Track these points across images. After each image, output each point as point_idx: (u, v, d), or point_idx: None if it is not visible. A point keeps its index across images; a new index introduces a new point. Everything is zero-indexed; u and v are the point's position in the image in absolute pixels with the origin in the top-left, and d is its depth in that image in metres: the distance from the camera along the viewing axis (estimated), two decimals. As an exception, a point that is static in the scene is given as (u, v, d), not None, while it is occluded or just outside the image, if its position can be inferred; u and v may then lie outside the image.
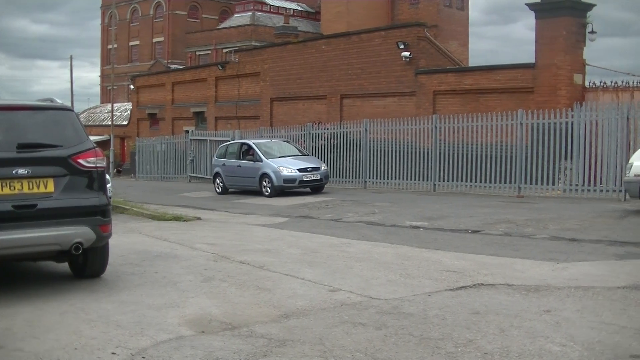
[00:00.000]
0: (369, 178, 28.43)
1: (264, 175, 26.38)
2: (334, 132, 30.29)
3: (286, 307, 8.33)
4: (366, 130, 28.42)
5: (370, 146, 28.47)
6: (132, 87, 53.53)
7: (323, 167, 27.00)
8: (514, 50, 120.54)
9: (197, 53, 73.26)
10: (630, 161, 17.33)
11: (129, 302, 8.63)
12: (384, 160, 27.91)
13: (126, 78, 66.60)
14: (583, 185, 22.00)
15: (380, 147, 28.05)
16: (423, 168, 26.56)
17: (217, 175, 29.57)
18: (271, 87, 38.55)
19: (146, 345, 6.79)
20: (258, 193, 26.69)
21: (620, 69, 29.60)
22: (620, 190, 20.24)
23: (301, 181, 25.95)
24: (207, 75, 44.15)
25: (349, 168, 29.24)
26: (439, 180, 25.98)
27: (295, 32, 49.54)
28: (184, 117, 46.34)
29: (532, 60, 25.63)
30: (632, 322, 7.32)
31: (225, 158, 29.48)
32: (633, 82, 24.34)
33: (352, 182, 29.03)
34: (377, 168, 28.07)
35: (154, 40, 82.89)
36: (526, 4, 25.56)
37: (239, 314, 8.02)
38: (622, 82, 24.54)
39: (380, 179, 27.79)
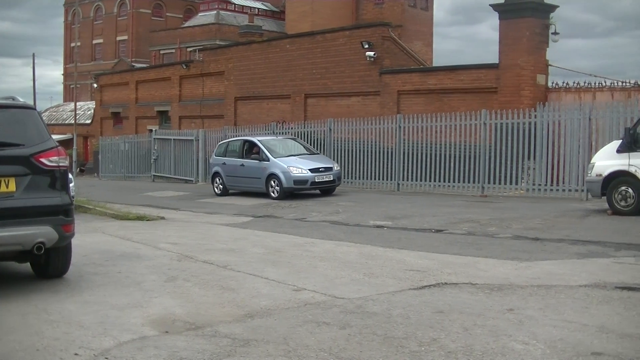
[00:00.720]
0: (334, 177, 28.46)
1: (272, 176, 24.31)
2: (298, 132, 30.23)
3: (250, 306, 8.30)
4: (330, 129, 28.43)
5: (334, 146, 28.48)
6: (95, 85, 53.18)
7: (336, 167, 25.00)
8: (479, 50, 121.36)
9: (161, 52, 72.91)
10: (592, 161, 17.47)
11: (92, 302, 8.56)
12: (348, 159, 27.93)
13: (89, 76, 66.12)
14: (546, 184, 22.16)
15: (344, 146, 28.08)
16: (387, 167, 26.62)
17: (216, 175, 27.23)
18: (235, 86, 38.45)
19: (109, 346, 6.74)
20: (263, 195, 24.72)
21: (582, 70, 29.97)
22: (583, 190, 20.39)
23: (313, 182, 23.95)
24: (171, 74, 43.97)
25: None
26: (403, 180, 26.05)
27: (259, 31, 49.48)
28: (148, 116, 46.12)
29: (496, 61, 25.76)
30: (594, 320, 7.37)
31: (225, 156, 27.17)
32: (595, 83, 24.54)
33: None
34: (342, 167, 28.05)
35: (118, 38, 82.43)
36: (490, 5, 25.70)
37: (203, 314, 7.99)
38: (585, 83, 24.76)
39: (345, 178, 27.75)
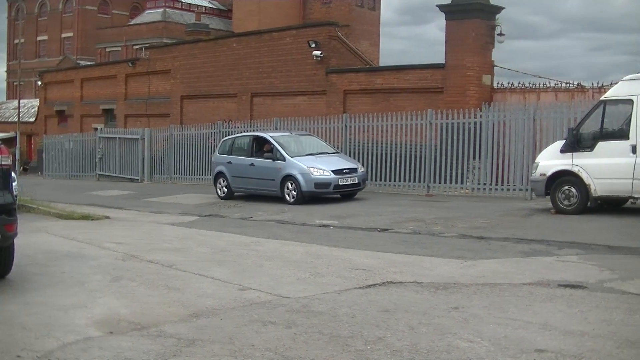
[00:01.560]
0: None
1: (288, 178, 21.60)
2: (244, 131, 30.10)
3: (196, 306, 8.27)
4: (276, 128, 28.32)
5: (281, 145, 28.41)
6: (39, 83, 52.45)
7: (360, 169, 22.57)
8: (426, 51, 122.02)
9: (107, 49, 72.27)
10: (536, 161, 17.65)
11: (35, 303, 8.46)
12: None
13: (34, 74, 65.23)
14: (491, 184, 22.33)
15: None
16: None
17: (219, 175, 24.23)
18: (182, 85, 38.22)
19: (53, 348, 6.66)
20: (277, 199, 21.96)
21: (528, 71, 30.32)
22: (527, 189, 20.57)
23: (337, 186, 21.41)
24: (117, 72, 43.56)
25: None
26: (350, 179, 26.09)
27: (206, 29, 49.13)
28: (93, 115, 45.61)
29: (443, 61, 25.88)
30: (537, 317, 7.45)
31: (231, 154, 24.21)
32: (540, 84, 24.79)
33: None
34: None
35: (63, 35, 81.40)
36: (437, 5, 25.80)
37: (148, 314, 7.94)
38: (530, 83, 24.98)
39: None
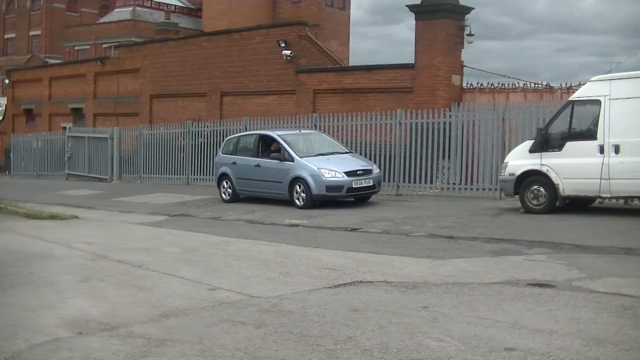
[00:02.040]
0: (250, 176, 28.27)
1: (297, 180, 19.99)
2: (214, 130, 30.04)
3: (165, 306, 8.25)
4: (246, 128, 28.24)
5: (250, 144, 28.35)
6: (7, 81, 52.02)
7: (375, 170, 20.80)
8: (396, 50, 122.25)
9: (76, 48, 71.75)
10: (505, 160, 17.74)
11: (3, 304, 8.40)
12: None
13: (1, 72, 64.75)
14: (460, 184, 22.40)
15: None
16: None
17: (223, 176, 22.85)
18: (151, 84, 38.05)
19: (21, 349, 6.61)
20: (285, 203, 20.49)
21: (497, 71, 30.45)
22: (496, 189, 20.66)
23: (350, 189, 19.66)
24: (85, 71, 43.28)
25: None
26: (320, 179, 26.04)
27: (176, 28, 48.99)
28: (62, 113, 45.28)
29: (412, 61, 25.94)
30: (506, 316, 7.48)
31: (235, 155, 22.75)
32: (509, 84, 24.91)
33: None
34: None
35: (31, 33, 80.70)
36: (406, 6, 25.86)
37: (118, 314, 7.90)
38: (499, 84, 25.10)
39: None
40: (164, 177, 31.87)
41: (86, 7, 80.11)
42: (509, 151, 18.70)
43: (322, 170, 19.57)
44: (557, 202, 16.45)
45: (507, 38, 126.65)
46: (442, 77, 24.92)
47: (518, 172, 16.89)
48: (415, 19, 25.71)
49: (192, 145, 30.61)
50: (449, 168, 22.90)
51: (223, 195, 22.75)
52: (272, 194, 21.15)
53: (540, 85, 24.15)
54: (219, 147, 28.80)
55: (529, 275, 9.81)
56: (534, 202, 16.63)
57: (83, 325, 7.45)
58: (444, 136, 22.81)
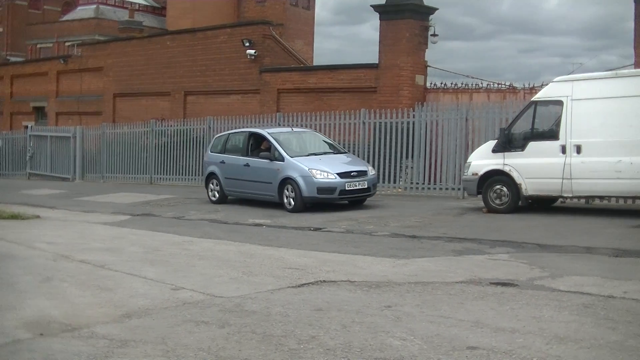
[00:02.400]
0: (213, 175, 28.17)
1: (287, 181, 18.98)
2: (177, 129, 29.94)
3: (128, 306, 8.20)
4: (210, 127, 28.18)
5: (214, 144, 28.26)
6: (-33, 79, 51.54)
7: (371, 172, 19.74)
8: (360, 50, 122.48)
9: (39, 46, 71.09)
10: (468, 160, 17.83)
11: (-39, 304, 8.30)
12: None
13: (-39, 70, 63.99)
14: (423, 183, 22.47)
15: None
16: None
17: (211, 176, 21.96)
18: (114, 83, 37.85)
19: (-21, 350, 6.54)
20: (274, 205, 19.52)
21: (461, 71, 30.60)
22: (459, 189, 20.76)
23: (343, 191, 18.62)
24: (48, 69, 42.93)
25: (192, 166, 28.87)
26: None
27: (140, 27, 48.72)
28: (24, 112, 44.88)
29: (376, 61, 25.99)
30: (469, 315, 7.51)
31: (224, 153, 21.77)
32: (472, 85, 25.04)
33: (195, 179, 28.64)
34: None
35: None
36: (371, 6, 25.89)
37: (80, 315, 7.84)
38: (462, 84, 25.24)
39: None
40: (128, 177, 31.69)
41: (49, 4, 79.36)
42: (472, 151, 18.79)
43: (314, 171, 18.58)
44: (520, 202, 16.56)
45: (472, 38, 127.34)
46: (406, 77, 24.99)
47: (481, 172, 16.98)
48: (380, 19, 25.76)
49: (155, 144, 30.47)
50: (412, 168, 22.97)
51: (210, 195, 21.93)
52: (262, 195, 20.21)
53: (503, 86, 24.30)
54: (182, 146, 28.80)
55: (492, 275, 9.86)
56: (497, 201, 16.73)
57: (44, 326, 7.38)
58: (408, 136, 22.86)
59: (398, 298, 8.43)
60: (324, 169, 18.66)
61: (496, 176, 16.75)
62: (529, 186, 16.27)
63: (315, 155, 19.72)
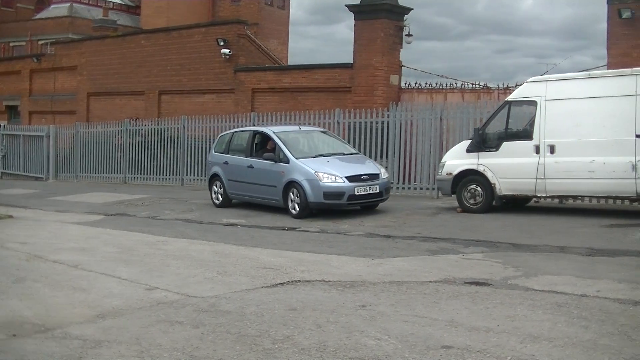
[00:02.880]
0: (187, 175, 28.10)
1: (292, 185, 17.50)
2: (151, 129, 29.81)
3: (102, 307, 8.18)
4: (184, 127, 28.11)
5: (188, 143, 28.19)
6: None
7: (383, 174, 18.06)
8: (336, 50, 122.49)
9: (11, 44, 70.55)
10: (442, 160, 17.86)
11: None
12: (202, 157, 27.62)
13: None
14: (398, 183, 22.48)
15: (199, 144, 27.81)
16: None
17: (215, 178, 20.47)
18: (88, 82, 37.63)
19: (-50, 351, 6.50)
20: (279, 210, 18.08)
21: (435, 71, 30.70)
22: (434, 188, 20.78)
23: (352, 196, 17.02)
24: (21, 68, 42.60)
25: (167, 165, 28.78)
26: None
27: (114, 25, 48.48)
28: (-4, 111, 44.62)
29: (351, 61, 26.00)
30: (444, 314, 7.53)
31: (228, 153, 20.35)
32: (446, 85, 25.10)
33: (169, 179, 28.63)
34: (195, 165, 27.73)
35: (-36, 29, 79.41)
36: (346, 5, 25.90)
37: (53, 315, 7.81)
38: (437, 84, 25.27)
39: (198, 176, 27.48)
40: (101, 176, 31.51)
41: (22, 2, 78.73)
42: (447, 151, 18.83)
43: (320, 174, 17.07)
44: (494, 202, 16.62)
45: (447, 39, 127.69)
46: (381, 77, 25.01)
47: (455, 172, 17.02)
48: (354, 19, 25.76)
49: (129, 144, 30.33)
50: (386, 167, 22.98)
51: (214, 198, 20.40)
52: (266, 199, 18.73)
53: (477, 86, 24.38)
54: (156, 145, 28.70)
55: (466, 274, 9.90)
56: (471, 201, 16.78)
57: (17, 327, 7.34)
58: (382, 136, 22.87)
59: (373, 297, 8.44)
60: (331, 172, 17.18)
61: (470, 176, 16.80)
62: (503, 186, 16.34)
63: (324, 156, 18.19)
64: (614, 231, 13.64)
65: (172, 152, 28.45)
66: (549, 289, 8.81)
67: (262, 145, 19.14)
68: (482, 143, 16.71)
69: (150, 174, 29.28)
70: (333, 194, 16.96)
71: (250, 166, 18.97)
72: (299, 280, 9.62)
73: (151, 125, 30.14)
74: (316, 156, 18.12)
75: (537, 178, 15.76)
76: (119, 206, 20.93)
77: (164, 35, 34.55)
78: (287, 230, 15.35)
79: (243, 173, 19.25)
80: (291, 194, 17.53)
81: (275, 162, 18.06)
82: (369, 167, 18.13)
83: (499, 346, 6.42)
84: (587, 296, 8.37)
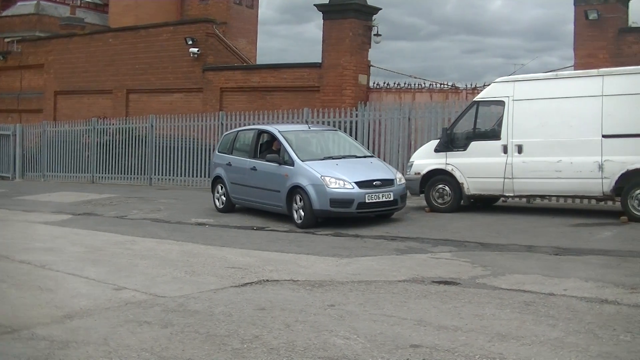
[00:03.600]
0: (155, 174, 27.99)
1: (296, 190, 15.78)
2: (119, 128, 29.67)
3: (69, 307, 8.13)
4: (152, 126, 28.01)
5: (156, 142, 28.07)
6: None
7: (399, 180, 16.18)
8: (307, 50, 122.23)
9: (-23, 42, 70.11)
10: (410, 160, 17.91)
11: None
12: (170, 157, 27.56)
13: None
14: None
15: (167, 143, 27.71)
16: (209, 165, 26.40)
17: (217, 180, 18.85)
18: (56, 80, 37.38)
19: None
20: (284, 218, 16.41)
21: (404, 71, 30.81)
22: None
23: (362, 204, 15.27)
24: (-14, 66, 42.32)
25: (135, 164, 28.66)
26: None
27: (82, 23, 48.20)
28: (-39, 109, 44.19)
29: (320, 60, 26.00)
30: (412, 313, 7.56)
31: (231, 154, 18.68)
32: (415, 84, 25.15)
33: (137, 178, 28.50)
34: (163, 165, 27.64)
35: None
36: (314, 5, 25.90)
37: (20, 316, 7.75)
38: (405, 84, 25.32)
39: (167, 175, 27.42)
40: (69, 176, 31.31)
41: (-13, 0, 78.13)
42: (415, 150, 18.88)
43: (327, 179, 15.38)
44: (462, 201, 16.70)
45: (417, 39, 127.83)
46: (349, 77, 25.04)
47: (423, 171, 17.08)
48: (323, 19, 25.77)
49: (97, 143, 30.16)
50: (355, 167, 22.98)
51: (217, 202, 18.87)
52: (269, 205, 17.03)
53: (445, 86, 24.46)
54: (124, 145, 28.56)
55: (434, 273, 9.94)
56: (439, 200, 16.85)
57: (-18, 327, 7.29)
58: (350, 135, 22.88)
59: (341, 297, 8.45)
60: (339, 177, 15.47)
61: (438, 175, 16.87)
62: (471, 185, 16.42)
63: (332, 159, 16.53)
64: (580, 230, 13.75)
65: (140, 152, 28.34)
66: (516, 288, 8.86)
67: (268, 146, 17.63)
68: (450, 143, 16.78)
69: (118, 174, 29.14)
70: (340, 201, 15.29)
71: (254, 168, 17.33)
72: (267, 280, 9.61)
73: (119, 124, 29.99)
74: (324, 158, 16.51)
75: (505, 178, 15.86)
76: (87, 206, 20.80)
77: (132, 34, 34.36)
78: (255, 230, 15.33)
79: (246, 176, 17.61)
80: (296, 200, 15.86)
81: (280, 164, 16.41)
82: (383, 171, 16.32)
83: (467, 345, 6.45)
84: (554, 295, 8.43)
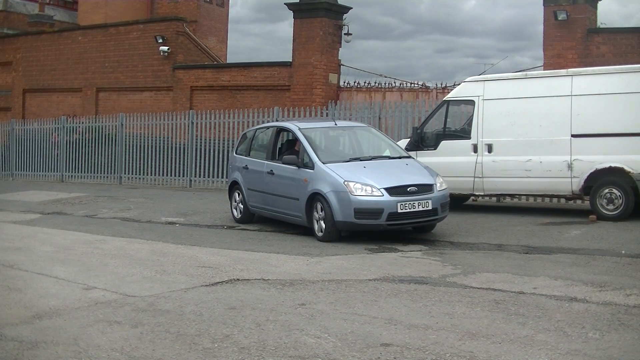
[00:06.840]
0: (125, 173, 27.85)
1: (316, 198, 13.43)
2: (88, 126, 29.48)
3: (38, 307, 8.08)
4: (122, 124, 27.86)
5: (125, 141, 27.92)
6: None
7: (439, 186, 13.50)
8: (279, 48, 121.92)
9: (-57, 40, 69.41)
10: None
11: None
12: (140, 155, 27.43)
13: None
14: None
15: (136, 142, 27.58)
16: (179, 164, 26.28)
17: (235, 186, 16.51)
18: (24, 78, 37.12)
19: None
20: (303, 229, 14.23)
21: (376, 70, 30.88)
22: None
23: (393, 214, 12.73)
24: (-47, 63, 41.94)
25: (104, 163, 28.50)
26: (195, 176, 25.81)
27: (50, 21, 47.77)
28: None
29: (291, 59, 26.00)
30: (383, 312, 7.57)
31: (249, 155, 16.35)
32: (385, 84, 25.21)
33: (107, 177, 28.34)
34: (132, 163, 27.48)
35: None
36: (285, 4, 25.90)
37: (-13, 317, 7.68)
38: (375, 83, 25.36)
39: (136, 174, 27.29)
40: (38, 174, 31.09)
41: (-46, -3, 77.39)
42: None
43: (351, 184, 12.92)
44: (432, 200, 16.73)
45: (389, 38, 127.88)
46: (319, 76, 25.06)
47: (394, 170, 17.09)
48: (294, 17, 25.79)
49: (66, 141, 29.95)
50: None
51: (234, 210, 16.49)
52: (287, 215, 14.65)
53: (416, 85, 24.52)
54: (93, 143, 28.41)
55: (405, 272, 9.96)
56: (410, 200, 16.87)
57: (-50, 328, 7.22)
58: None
59: (312, 296, 8.46)
60: (366, 182, 12.99)
61: (409, 174, 16.90)
62: (441, 184, 16.47)
63: (360, 160, 14.11)
64: (549, 229, 13.84)
65: (109, 150, 28.18)
66: (486, 286, 8.91)
67: (290, 146, 15.38)
68: (421, 142, 16.80)
69: (87, 172, 28.96)
70: (367, 211, 12.82)
71: (271, 172, 15.00)
72: (238, 279, 9.60)
73: (88, 122, 29.80)
74: (350, 160, 14.10)
75: (475, 177, 15.92)
76: (56, 205, 20.67)
77: (101, 32, 34.20)
78: (226, 229, 15.30)
79: (263, 181, 15.32)
80: (316, 209, 13.54)
81: (299, 167, 14.13)
82: (419, 175, 13.72)
83: (438, 343, 6.47)
84: (524, 293, 8.48)
